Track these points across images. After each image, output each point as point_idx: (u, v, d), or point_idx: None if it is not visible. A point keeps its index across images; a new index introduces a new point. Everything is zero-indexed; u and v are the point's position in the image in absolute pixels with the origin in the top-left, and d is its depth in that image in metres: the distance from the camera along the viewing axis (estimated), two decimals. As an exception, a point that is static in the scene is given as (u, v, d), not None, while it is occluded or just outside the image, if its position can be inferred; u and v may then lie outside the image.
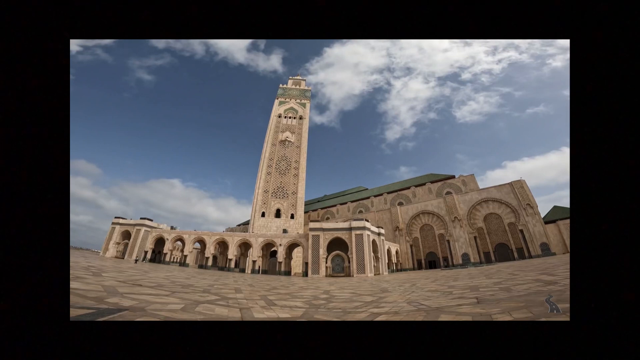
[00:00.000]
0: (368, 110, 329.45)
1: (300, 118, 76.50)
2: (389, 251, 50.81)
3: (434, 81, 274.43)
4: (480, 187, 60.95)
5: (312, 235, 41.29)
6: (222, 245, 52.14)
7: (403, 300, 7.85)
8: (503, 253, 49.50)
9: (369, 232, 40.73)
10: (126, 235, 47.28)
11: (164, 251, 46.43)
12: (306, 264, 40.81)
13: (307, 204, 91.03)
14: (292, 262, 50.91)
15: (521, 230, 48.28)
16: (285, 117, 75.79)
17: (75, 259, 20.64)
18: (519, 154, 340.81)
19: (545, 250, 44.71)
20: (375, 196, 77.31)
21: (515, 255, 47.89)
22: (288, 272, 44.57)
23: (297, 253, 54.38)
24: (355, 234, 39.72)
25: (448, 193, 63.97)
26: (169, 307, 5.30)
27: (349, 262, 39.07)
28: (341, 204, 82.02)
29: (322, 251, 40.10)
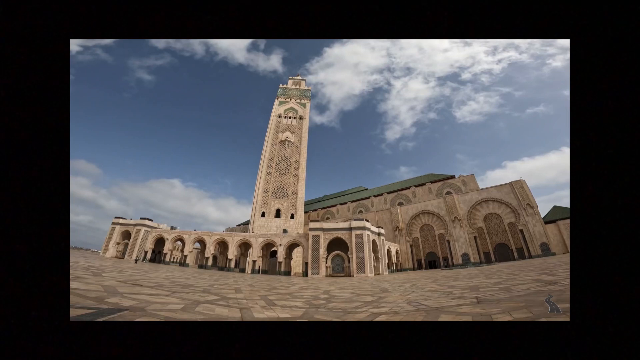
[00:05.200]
0: (368, 110, 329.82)
1: (300, 118, 76.50)
2: (389, 251, 50.81)
3: (434, 81, 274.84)
4: (480, 187, 60.94)
5: (312, 235, 41.28)
6: (222, 245, 52.14)
7: (403, 300, 7.85)
8: (503, 253, 49.49)
9: (369, 232, 40.73)
10: (126, 235, 47.27)
11: (164, 251, 46.42)
12: (306, 264, 40.81)
13: (307, 204, 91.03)
14: (292, 262, 50.90)
15: (521, 230, 48.28)
16: (285, 117, 75.79)
17: (75, 259, 20.64)
18: (519, 154, 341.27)
19: (545, 250, 44.71)
20: (375, 196, 77.30)
21: (515, 255, 47.88)
22: (288, 272, 44.56)
23: (297, 253, 54.37)
24: (355, 234, 39.71)
25: (448, 193, 63.96)
26: (169, 307, 5.30)
27: (349, 262, 39.06)
28: (341, 204, 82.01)
29: (322, 251, 40.09)
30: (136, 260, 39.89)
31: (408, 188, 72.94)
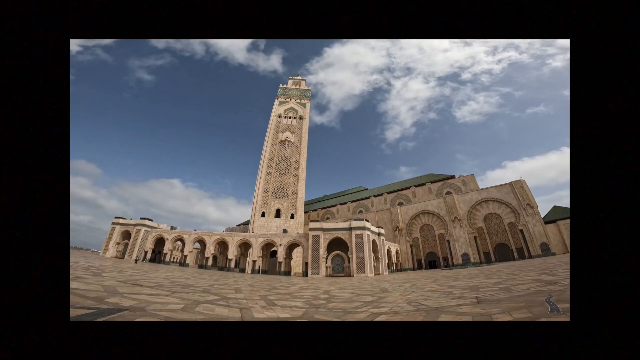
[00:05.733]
0: (368, 110, 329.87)
1: (300, 118, 76.50)
2: (389, 251, 50.81)
3: (434, 81, 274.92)
4: (480, 187, 60.94)
5: (312, 235, 41.28)
6: (222, 245, 52.14)
7: (403, 300, 7.85)
8: (503, 253, 49.49)
9: (369, 232, 40.72)
10: (126, 235, 47.26)
11: (164, 251, 46.42)
12: (306, 264, 40.80)
13: (307, 204, 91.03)
14: (292, 262, 50.91)
15: (521, 230, 48.28)
16: (285, 117, 75.79)
17: (75, 259, 20.64)
18: (519, 154, 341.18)
19: (545, 250, 44.71)
20: (375, 196, 77.30)
21: (515, 255, 47.88)
22: (288, 272, 44.56)
23: (297, 253, 54.37)
24: (355, 234, 39.71)
25: (448, 193, 63.95)
26: (169, 307, 5.30)
27: (349, 262, 39.06)
28: (341, 204, 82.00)
29: (322, 251, 40.09)
30: (136, 260, 39.88)
31: (408, 188, 72.93)
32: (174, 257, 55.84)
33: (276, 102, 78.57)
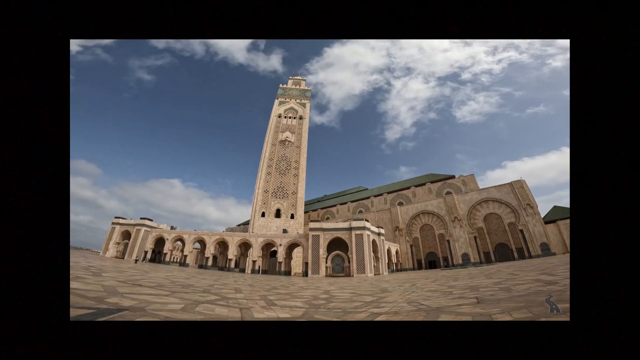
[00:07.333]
0: (368, 110, 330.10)
1: (300, 118, 76.50)
2: (389, 251, 50.80)
3: (434, 81, 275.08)
4: (480, 187, 60.94)
5: (312, 235, 41.28)
6: (222, 245, 52.14)
7: (403, 300, 7.85)
8: (503, 253, 49.49)
9: (369, 232, 40.72)
10: (126, 235, 47.26)
11: (164, 251, 46.42)
12: (306, 264, 40.80)
13: (307, 204, 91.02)
14: (292, 262, 50.90)
15: (521, 230, 48.27)
16: (285, 117, 75.80)
17: (75, 259, 20.64)
18: (519, 154, 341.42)
19: (545, 250, 44.71)
20: (375, 196, 77.30)
21: (515, 255, 47.88)
22: (288, 272, 44.56)
23: (297, 253, 54.37)
24: (355, 234, 39.71)
25: (448, 193, 63.96)
26: (169, 307, 5.30)
27: (349, 262, 39.06)
28: (341, 204, 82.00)
29: (322, 251, 40.08)
30: (136, 260, 39.88)
31: (408, 188, 72.92)
32: (174, 257, 55.83)
33: (276, 102, 78.56)
